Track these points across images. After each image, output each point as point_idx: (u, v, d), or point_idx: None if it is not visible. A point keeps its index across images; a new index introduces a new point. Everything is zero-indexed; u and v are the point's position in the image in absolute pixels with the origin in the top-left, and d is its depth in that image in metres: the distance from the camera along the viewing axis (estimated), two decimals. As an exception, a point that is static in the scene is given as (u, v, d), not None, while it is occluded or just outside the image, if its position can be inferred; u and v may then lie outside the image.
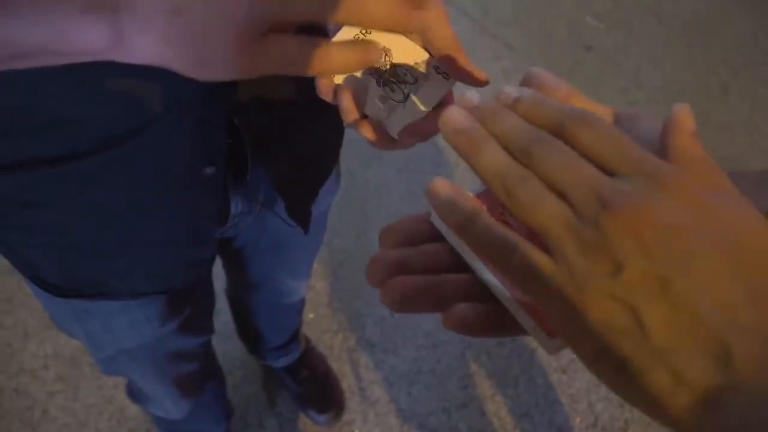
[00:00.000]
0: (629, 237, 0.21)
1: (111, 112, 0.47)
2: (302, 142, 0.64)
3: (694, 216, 0.22)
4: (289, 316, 1.20)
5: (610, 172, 0.23)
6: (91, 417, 1.31)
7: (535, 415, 1.36)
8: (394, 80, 0.39)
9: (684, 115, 0.25)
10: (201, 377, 0.97)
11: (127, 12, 0.28)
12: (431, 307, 0.27)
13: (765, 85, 2.04)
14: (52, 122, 0.46)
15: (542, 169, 0.23)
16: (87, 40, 0.29)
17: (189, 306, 0.76)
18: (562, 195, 0.23)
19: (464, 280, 0.28)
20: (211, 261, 0.72)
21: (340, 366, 1.40)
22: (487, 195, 0.28)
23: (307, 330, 1.40)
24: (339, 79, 0.40)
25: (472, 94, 0.27)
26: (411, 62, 0.39)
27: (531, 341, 1.42)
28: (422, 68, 0.39)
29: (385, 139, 0.41)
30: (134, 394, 0.97)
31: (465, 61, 0.37)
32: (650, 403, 0.21)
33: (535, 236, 0.24)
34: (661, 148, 0.25)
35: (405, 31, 0.30)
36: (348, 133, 0.53)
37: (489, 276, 0.27)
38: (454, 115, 0.26)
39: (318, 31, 0.31)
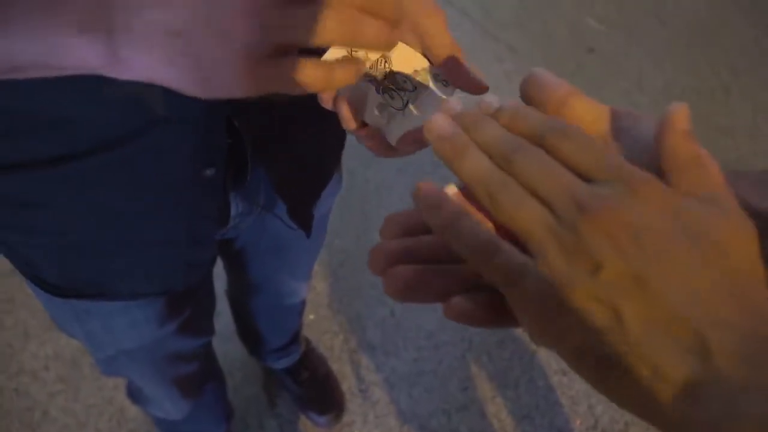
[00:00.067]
0: (606, 239, 0.22)
1: (111, 113, 0.47)
2: (302, 144, 0.64)
3: (667, 218, 0.23)
4: (290, 317, 1.20)
5: (587, 179, 0.24)
6: (91, 418, 1.31)
7: (536, 417, 1.36)
8: (394, 88, 0.39)
9: (678, 115, 0.26)
10: (201, 378, 0.97)
11: (124, 32, 0.28)
12: (433, 296, 0.28)
13: (767, 88, 2.04)
14: (52, 123, 0.46)
15: (523, 175, 0.24)
16: (82, 57, 0.29)
17: (189, 307, 0.76)
18: (542, 200, 0.24)
19: (466, 271, 0.28)
20: (212, 263, 0.72)
21: (340, 367, 1.40)
22: None
23: (307, 331, 1.40)
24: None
25: (455, 103, 0.28)
26: (410, 70, 0.39)
27: (531, 343, 1.42)
28: (421, 76, 0.39)
29: (384, 147, 0.41)
30: (134, 394, 0.97)
31: (464, 69, 0.37)
32: (634, 400, 0.22)
33: (515, 239, 0.25)
34: (655, 147, 0.25)
35: (388, 49, 0.32)
36: (349, 135, 0.53)
37: None
38: (438, 123, 0.27)
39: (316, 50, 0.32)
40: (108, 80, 0.36)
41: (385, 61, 0.39)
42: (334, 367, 1.39)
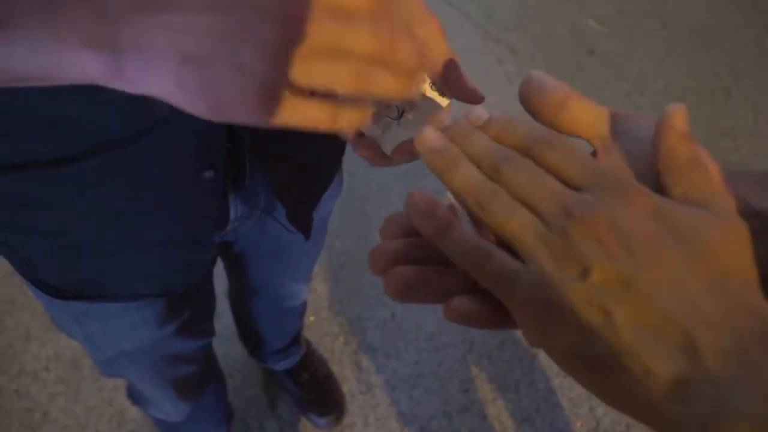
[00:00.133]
0: (595, 243, 0.23)
1: (112, 114, 0.47)
2: (302, 149, 0.63)
3: (655, 222, 0.23)
4: (290, 319, 1.20)
5: (574, 187, 0.25)
6: (92, 419, 1.31)
7: (536, 419, 1.35)
8: None
9: (676, 116, 0.26)
10: (200, 380, 0.96)
11: (133, 51, 0.27)
12: (433, 297, 0.28)
13: (768, 90, 2.04)
14: (53, 123, 0.46)
15: (512, 184, 0.25)
16: (85, 70, 0.28)
17: (188, 309, 0.76)
18: (531, 208, 0.24)
19: (466, 272, 0.28)
20: (212, 263, 0.72)
21: (341, 369, 1.39)
22: None
23: (308, 333, 1.40)
24: None
25: (444, 115, 0.29)
26: None
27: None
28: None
29: (380, 156, 0.41)
30: (134, 396, 0.97)
31: (462, 78, 0.36)
32: (625, 400, 0.23)
33: (506, 245, 0.25)
34: (653, 148, 0.25)
35: (404, 99, 0.31)
36: (348, 137, 0.53)
37: None
38: (429, 136, 0.28)
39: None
40: None
41: None
42: (335, 368, 1.38)
